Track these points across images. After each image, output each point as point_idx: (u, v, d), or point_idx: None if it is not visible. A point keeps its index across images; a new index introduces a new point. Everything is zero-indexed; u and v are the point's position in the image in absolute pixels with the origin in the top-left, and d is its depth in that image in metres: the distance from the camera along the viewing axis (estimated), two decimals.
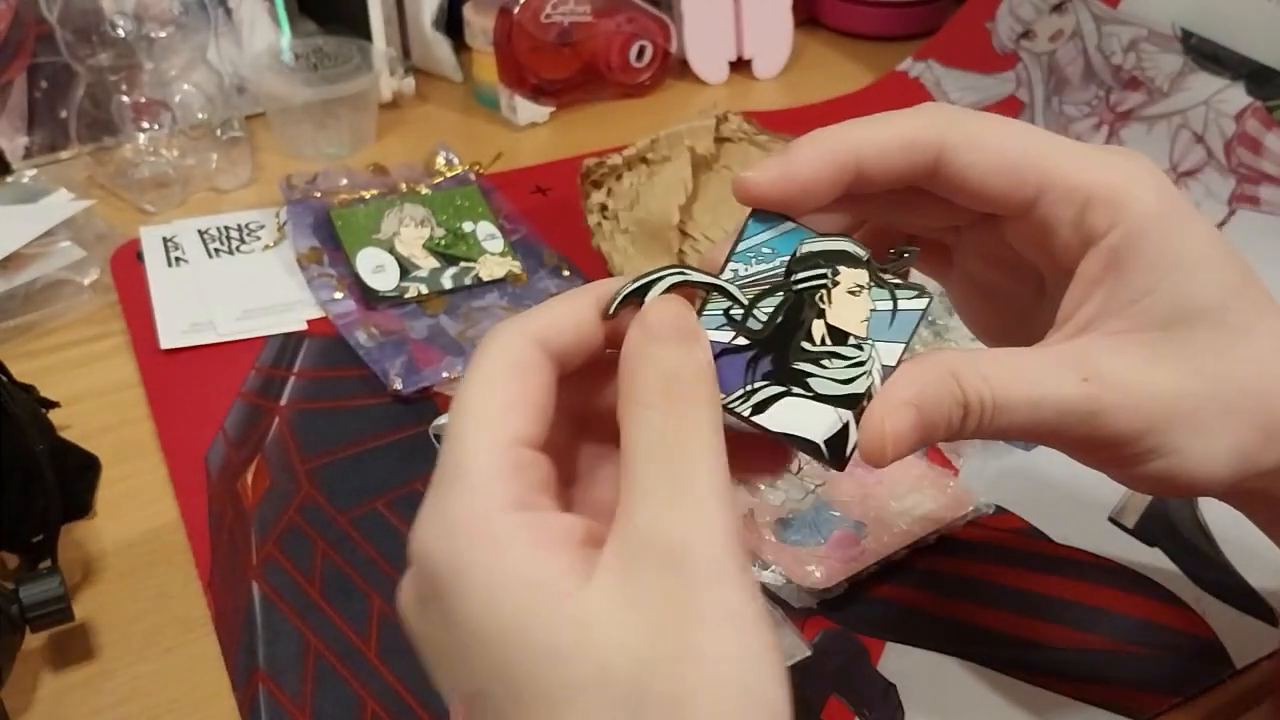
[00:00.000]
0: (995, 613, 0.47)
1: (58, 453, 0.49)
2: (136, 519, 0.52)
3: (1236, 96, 0.68)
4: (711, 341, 0.28)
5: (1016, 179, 0.29)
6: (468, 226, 0.70)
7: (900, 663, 0.45)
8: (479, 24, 0.86)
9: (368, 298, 0.65)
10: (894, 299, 0.29)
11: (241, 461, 0.55)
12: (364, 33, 0.85)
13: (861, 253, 0.29)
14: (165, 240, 0.71)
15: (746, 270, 0.29)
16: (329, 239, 0.69)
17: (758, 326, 0.29)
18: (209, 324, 0.64)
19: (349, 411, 0.58)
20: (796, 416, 0.28)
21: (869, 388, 0.29)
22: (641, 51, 0.90)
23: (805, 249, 0.29)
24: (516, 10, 0.83)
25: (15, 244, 0.65)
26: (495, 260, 0.68)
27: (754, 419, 0.28)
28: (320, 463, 0.55)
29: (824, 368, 0.29)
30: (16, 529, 0.47)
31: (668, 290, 0.28)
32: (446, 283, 0.67)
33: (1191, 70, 0.70)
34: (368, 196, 0.71)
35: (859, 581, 0.48)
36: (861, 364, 0.29)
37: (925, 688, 0.44)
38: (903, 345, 0.29)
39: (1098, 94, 0.76)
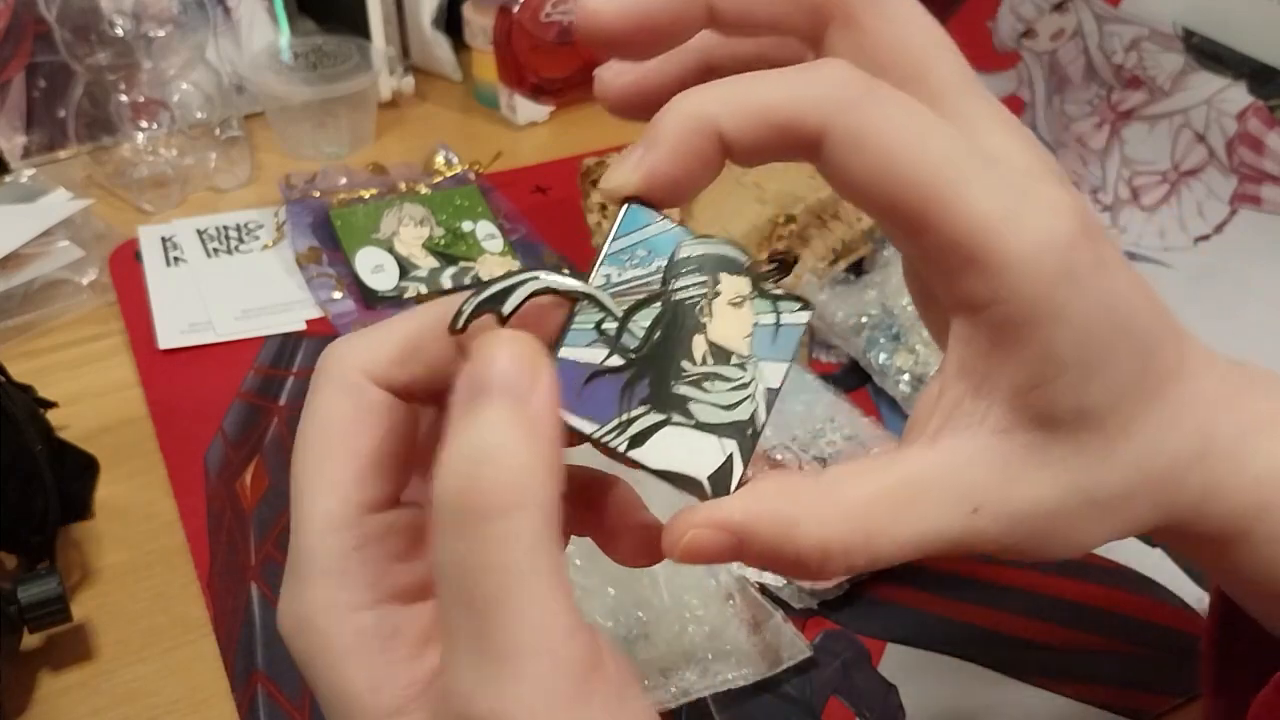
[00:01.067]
0: (996, 613, 0.47)
1: (56, 453, 0.49)
2: (135, 519, 0.52)
3: (1238, 96, 0.67)
4: (582, 363, 0.25)
5: (896, 200, 0.23)
6: (467, 226, 0.70)
7: (901, 663, 0.45)
8: (478, 23, 0.86)
9: (367, 298, 0.65)
10: (777, 312, 0.26)
11: (240, 461, 0.55)
12: (363, 32, 0.85)
13: (743, 259, 0.26)
14: (164, 240, 0.71)
15: (620, 275, 0.25)
16: (328, 239, 0.69)
17: (634, 343, 0.25)
18: (208, 324, 0.64)
19: None
20: (678, 450, 0.25)
21: (754, 413, 0.25)
22: None
23: (684, 252, 0.25)
24: (516, 9, 0.83)
25: (13, 244, 0.65)
26: (495, 260, 0.68)
27: (631, 454, 0.25)
28: None
29: (706, 391, 0.25)
30: (15, 529, 0.47)
31: (527, 299, 0.24)
32: (446, 282, 0.67)
33: (1193, 69, 0.70)
34: (367, 196, 0.71)
35: (859, 582, 0.48)
36: (745, 386, 0.25)
37: (926, 688, 0.44)
38: (786, 364, 0.26)
39: (1099, 93, 0.76)
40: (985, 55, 0.85)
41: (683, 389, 0.25)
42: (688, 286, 0.25)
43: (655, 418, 0.25)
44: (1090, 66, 0.77)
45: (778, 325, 0.26)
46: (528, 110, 0.87)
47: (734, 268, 0.26)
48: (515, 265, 0.68)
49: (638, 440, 0.25)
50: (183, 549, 0.51)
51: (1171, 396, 0.25)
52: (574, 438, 0.24)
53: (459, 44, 0.91)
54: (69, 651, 0.46)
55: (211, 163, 0.78)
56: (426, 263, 0.67)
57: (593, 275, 0.25)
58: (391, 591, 0.24)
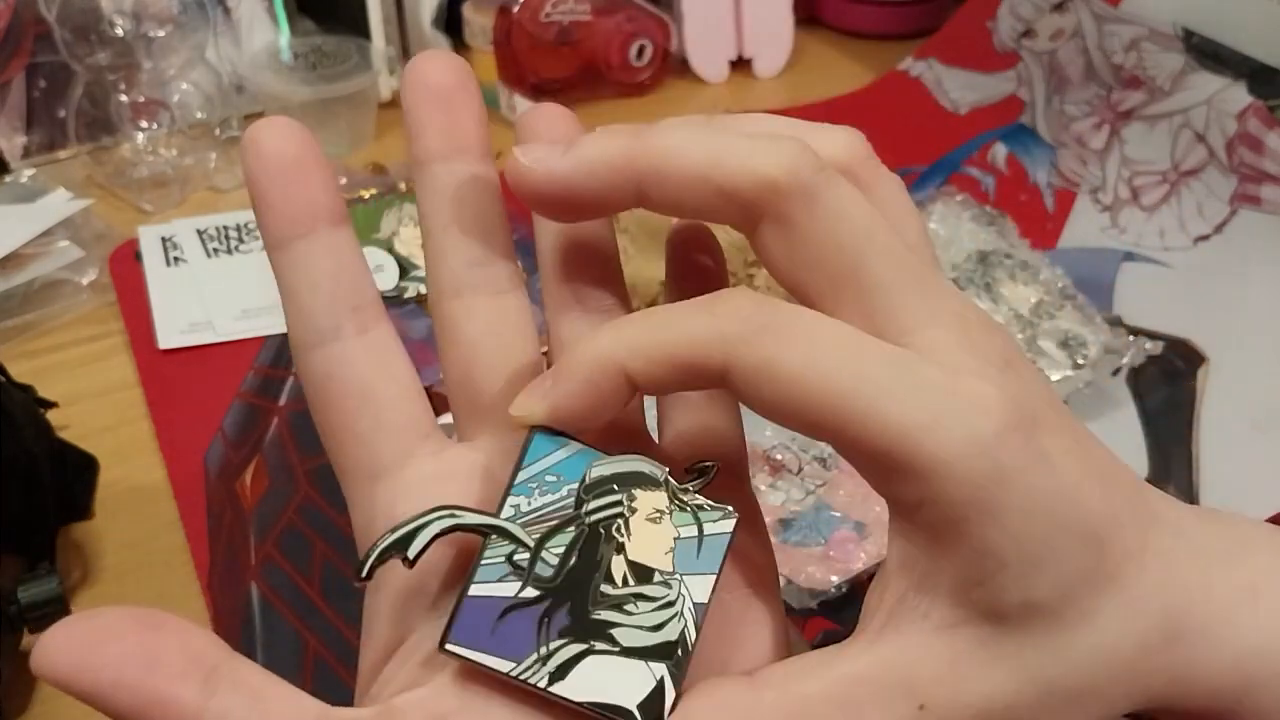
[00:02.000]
0: None
1: (56, 453, 0.49)
2: (135, 520, 0.52)
3: (1238, 96, 0.67)
4: (494, 598, 0.24)
5: (812, 423, 0.23)
6: None
7: None
8: (478, 23, 0.86)
9: None
10: (699, 523, 0.25)
11: (240, 462, 0.55)
12: (363, 31, 0.85)
13: (658, 473, 0.25)
14: (164, 240, 0.71)
15: (530, 504, 0.24)
16: None
17: (548, 572, 0.24)
18: (207, 324, 0.64)
19: None
20: (604, 679, 0.24)
21: (682, 632, 0.24)
22: (641, 50, 0.90)
23: (595, 473, 0.25)
24: (516, 9, 0.83)
25: (13, 244, 0.65)
26: None
27: (553, 690, 0.23)
28: (319, 463, 0.55)
29: (629, 614, 0.24)
30: (15, 529, 0.47)
31: (436, 537, 0.24)
32: None
33: (1193, 69, 0.70)
34: (366, 196, 0.71)
35: (859, 582, 0.48)
36: (671, 604, 0.24)
37: None
38: (714, 576, 0.25)
39: (1099, 93, 0.76)
40: (985, 55, 0.85)
41: (604, 614, 0.24)
42: (602, 507, 0.25)
43: (576, 648, 0.24)
44: (1090, 66, 0.77)
45: (701, 536, 0.25)
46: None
47: (649, 483, 0.25)
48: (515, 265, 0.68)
49: (559, 674, 0.23)
50: (183, 549, 0.51)
51: (1132, 580, 0.24)
52: (491, 680, 0.24)
53: (459, 44, 0.91)
54: None
55: (211, 163, 0.78)
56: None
57: (501, 507, 0.24)
58: None
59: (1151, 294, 0.66)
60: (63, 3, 0.74)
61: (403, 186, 0.73)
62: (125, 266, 0.69)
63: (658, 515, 0.25)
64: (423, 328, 0.63)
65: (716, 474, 0.25)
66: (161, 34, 0.76)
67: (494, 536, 0.24)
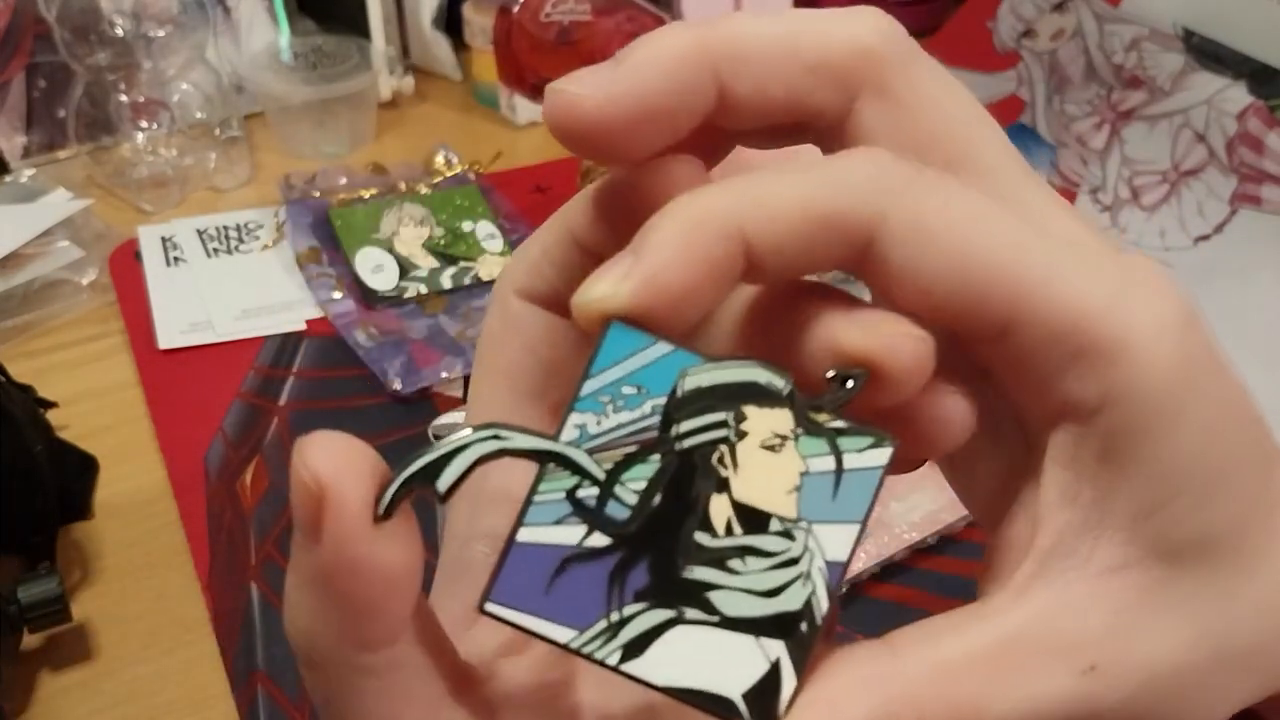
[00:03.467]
0: None
1: (56, 453, 0.48)
2: (135, 519, 0.52)
3: (1238, 96, 0.67)
4: (551, 546, 0.18)
5: (977, 296, 0.19)
6: (467, 226, 0.70)
7: None
8: (478, 23, 0.86)
9: (367, 298, 0.65)
10: (837, 453, 0.19)
11: (240, 462, 0.55)
12: (363, 31, 0.85)
13: (780, 383, 0.19)
14: (163, 240, 0.71)
15: (600, 424, 0.19)
16: (328, 239, 0.69)
17: (623, 514, 0.19)
18: (207, 324, 0.64)
19: (348, 412, 0.58)
20: (696, 659, 0.18)
21: (808, 600, 0.19)
22: None
23: (691, 383, 0.19)
24: (516, 9, 0.83)
25: (13, 244, 0.65)
26: (495, 260, 0.68)
27: (626, 669, 0.18)
28: None
29: (734, 573, 0.19)
30: (15, 529, 0.47)
31: (475, 465, 0.19)
32: (446, 282, 0.67)
33: (1193, 69, 0.70)
34: (367, 196, 0.71)
35: (859, 583, 0.48)
36: (794, 561, 0.19)
37: None
38: (856, 526, 0.19)
39: (1099, 93, 0.76)
40: (985, 55, 0.85)
41: (699, 572, 0.19)
42: (699, 429, 0.19)
43: (659, 616, 0.19)
44: (1090, 66, 0.77)
45: (840, 471, 0.19)
46: (527, 110, 0.87)
47: (766, 397, 0.19)
48: None
49: (634, 649, 0.18)
50: (183, 549, 0.51)
51: None
52: (545, 649, 0.19)
53: (459, 44, 0.91)
54: (69, 651, 0.46)
55: (211, 163, 0.78)
56: (426, 263, 0.67)
57: (562, 428, 0.19)
58: None
59: None
60: (63, 3, 0.74)
61: (402, 186, 0.73)
62: (125, 266, 0.69)
63: (778, 441, 0.19)
64: (423, 327, 0.63)
65: (869, 383, 0.19)
66: (161, 34, 0.76)
67: (552, 466, 0.19)
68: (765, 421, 0.19)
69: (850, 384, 0.19)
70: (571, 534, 0.19)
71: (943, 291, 0.19)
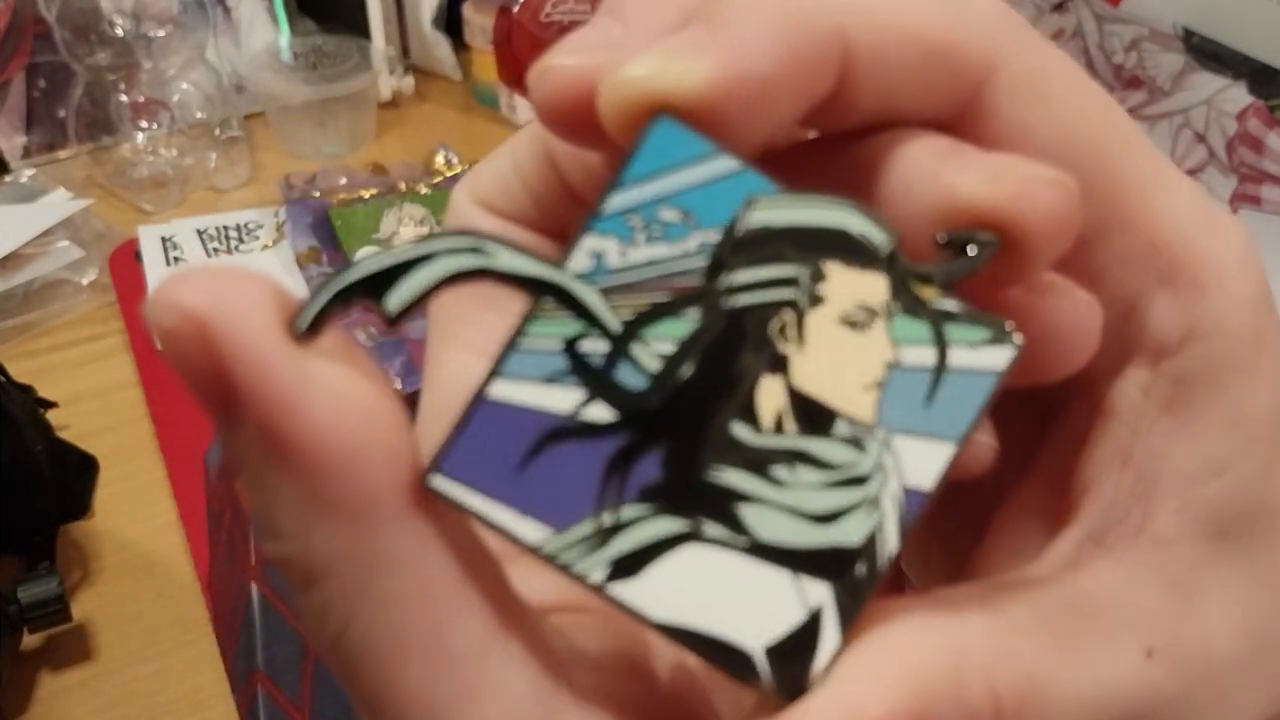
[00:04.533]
0: None
1: (56, 453, 0.48)
2: (135, 520, 0.52)
3: (1238, 96, 0.67)
4: (531, 411, 0.14)
5: (1083, 184, 0.15)
6: None
7: None
8: (478, 23, 0.86)
9: None
10: (942, 344, 0.14)
11: None
12: (363, 31, 0.85)
13: (880, 237, 0.14)
14: (164, 240, 0.71)
15: (625, 256, 0.14)
16: (328, 239, 0.68)
17: (639, 383, 0.14)
18: None
19: None
20: (709, 593, 0.14)
21: (872, 535, 0.14)
22: None
23: (759, 219, 0.14)
24: (516, 9, 0.83)
25: (13, 244, 0.65)
26: None
27: (612, 592, 0.14)
28: None
29: (777, 483, 0.14)
30: (15, 529, 0.47)
31: (441, 286, 0.14)
32: None
33: (1193, 69, 0.70)
34: (367, 196, 0.71)
35: None
36: (860, 481, 0.14)
37: None
38: (952, 446, 0.14)
39: None
40: None
41: (730, 476, 0.14)
42: (760, 284, 0.14)
43: (668, 526, 0.14)
44: (1090, 67, 0.77)
45: (942, 370, 0.14)
46: (528, 110, 0.87)
47: (859, 253, 0.14)
48: None
49: (627, 566, 0.14)
50: (182, 549, 0.51)
51: None
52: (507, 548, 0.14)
53: (459, 44, 0.91)
54: (69, 652, 0.46)
55: (211, 163, 0.78)
56: None
57: (572, 252, 0.14)
58: None
59: None
60: (63, 3, 0.74)
61: (402, 186, 0.73)
62: (125, 266, 0.69)
63: (864, 316, 0.14)
64: (422, 328, 0.63)
65: (997, 255, 0.14)
66: (161, 34, 0.76)
67: (550, 303, 0.14)
68: (851, 286, 0.14)
69: (973, 251, 0.14)
70: (564, 398, 0.14)
71: (1045, 150, 0.16)
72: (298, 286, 0.67)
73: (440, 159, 0.76)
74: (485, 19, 0.84)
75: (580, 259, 0.14)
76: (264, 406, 0.13)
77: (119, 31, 0.75)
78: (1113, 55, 0.75)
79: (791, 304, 0.14)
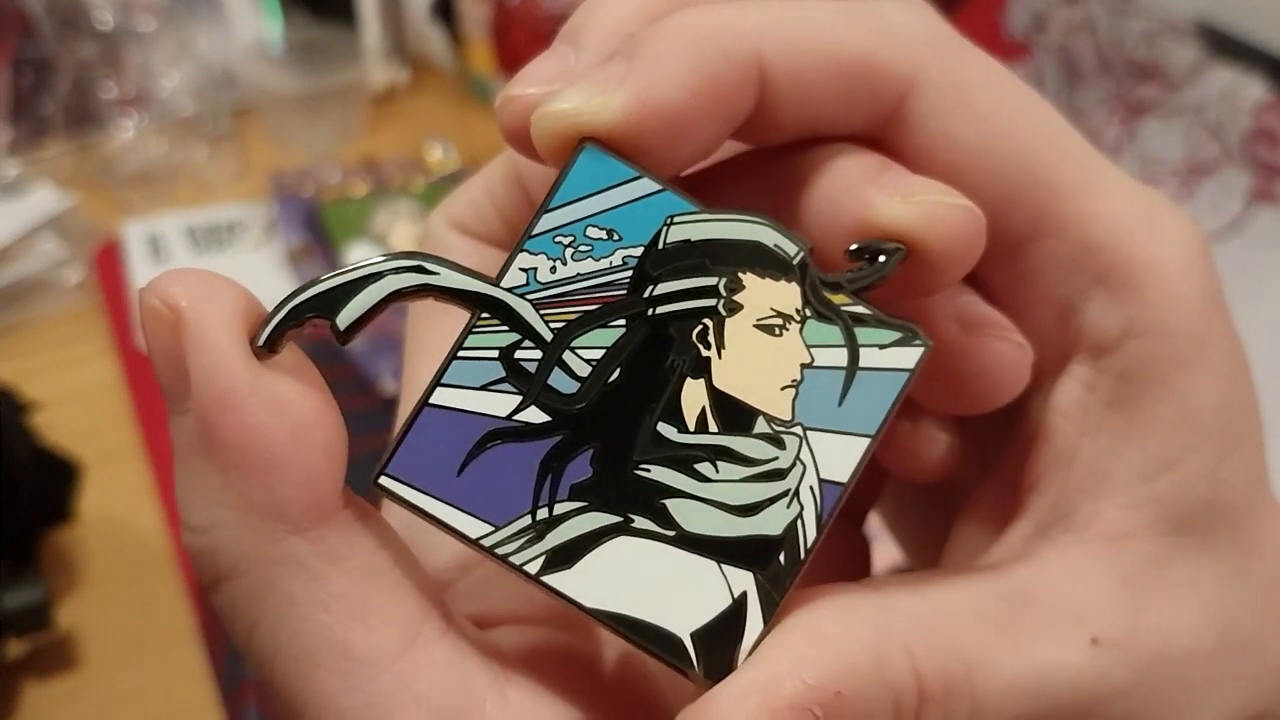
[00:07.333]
0: None
1: (38, 456, 0.48)
2: (120, 524, 0.51)
3: (1254, 90, 0.67)
4: (471, 415, 0.15)
5: (1011, 188, 0.17)
6: None
7: None
8: (474, 13, 0.85)
9: None
10: (853, 346, 0.15)
11: None
12: (356, 23, 0.84)
13: (791, 248, 0.15)
14: (151, 237, 0.69)
15: (555, 270, 0.15)
16: (320, 235, 0.67)
17: (569, 388, 0.15)
18: None
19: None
20: (639, 581, 0.15)
21: (792, 525, 0.15)
22: None
23: (678, 234, 0.15)
24: (513, 0, 0.82)
25: None
26: None
27: (548, 580, 0.15)
28: None
29: (702, 479, 0.15)
30: None
31: (387, 301, 0.15)
32: None
33: (1207, 63, 0.69)
34: (359, 192, 0.70)
35: None
36: (780, 475, 0.15)
37: None
38: (866, 442, 0.15)
39: (1111, 87, 0.75)
40: (996, 49, 0.84)
41: (657, 473, 0.15)
42: (682, 294, 0.15)
43: (599, 519, 0.15)
44: (1103, 60, 0.76)
45: (853, 370, 0.15)
46: None
47: (772, 264, 0.15)
48: None
49: (563, 557, 0.15)
50: (169, 556, 0.50)
51: None
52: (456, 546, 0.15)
53: (454, 35, 0.89)
54: (54, 661, 0.45)
55: (200, 158, 0.77)
56: None
57: (506, 269, 0.15)
58: None
59: None
60: None
61: (396, 181, 0.71)
62: (111, 264, 0.67)
63: (779, 321, 0.15)
64: None
65: (904, 263, 0.15)
66: (149, 27, 0.75)
67: (486, 316, 0.15)
68: (766, 294, 0.15)
69: (882, 259, 0.15)
70: (501, 404, 0.15)
71: (976, 174, 0.16)
72: (288, 283, 0.66)
73: (433, 152, 0.75)
74: (481, 10, 0.83)
75: (514, 275, 0.15)
76: (207, 399, 0.14)
77: (106, 25, 0.74)
78: (1125, 48, 0.74)
79: (712, 311, 0.15)
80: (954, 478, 0.19)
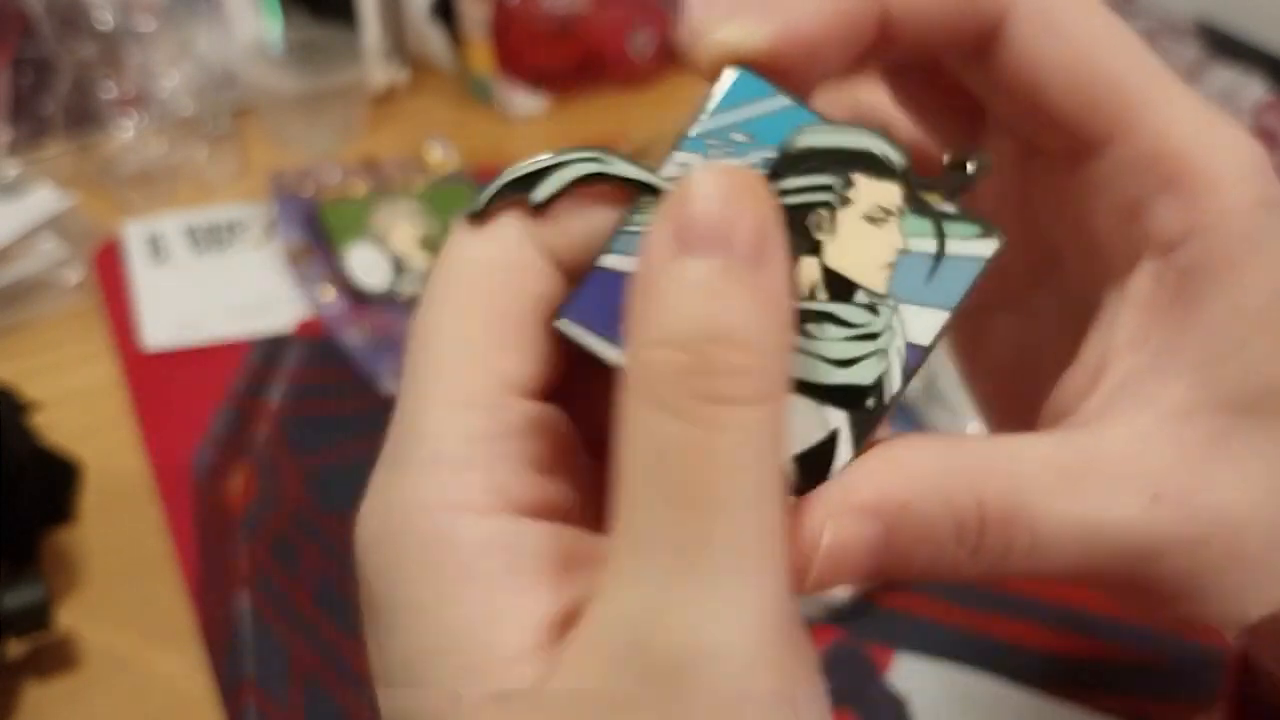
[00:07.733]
0: (1009, 623, 0.46)
1: (38, 457, 0.48)
2: (120, 525, 0.51)
3: (1254, 90, 0.67)
4: (631, 275, 0.18)
5: (1089, 101, 0.19)
6: None
7: (912, 673, 0.44)
8: (474, 13, 0.85)
9: (359, 296, 0.64)
10: (941, 236, 0.19)
11: (229, 466, 0.54)
12: (356, 23, 0.84)
13: (895, 156, 0.19)
14: (151, 237, 0.69)
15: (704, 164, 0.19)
16: (319, 235, 0.67)
17: None
18: (195, 324, 0.63)
19: (340, 414, 0.57)
20: None
21: (881, 377, 0.19)
22: (642, 41, 0.89)
23: (804, 140, 0.19)
24: (514, 1, 0.82)
25: None
26: None
27: None
28: (310, 467, 0.53)
29: (810, 337, 0.19)
30: None
31: (570, 186, 0.19)
32: None
33: (1207, 63, 0.69)
34: (360, 192, 0.70)
35: (869, 592, 0.47)
36: (873, 336, 0.19)
37: (938, 701, 0.43)
38: (946, 314, 0.19)
39: None
40: None
41: None
42: (805, 188, 0.19)
43: None
44: None
45: (940, 255, 0.19)
46: (525, 102, 0.86)
47: (879, 168, 0.19)
48: None
49: None
50: (169, 556, 0.50)
51: None
52: (602, 376, 0.18)
53: (454, 35, 0.89)
54: (54, 661, 0.45)
55: (200, 158, 0.77)
56: (420, 260, 0.66)
57: (665, 162, 0.19)
58: (523, 504, 0.18)
59: None
60: None
61: (396, 181, 0.71)
62: (111, 264, 0.67)
63: (882, 215, 0.19)
64: None
65: (989, 174, 0.19)
66: (149, 27, 0.75)
67: (648, 199, 0.19)
68: (873, 192, 0.19)
69: (970, 168, 0.19)
70: None
71: (1058, 88, 0.20)
72: (288, 283, 0.66)
73: (433, 152, 0.75)
74: (482, 10, 0.83)
75: (671, 168, 0.19)
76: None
77: (106, 25, 0.74)
78: None
79: (828, 204, 0.19)
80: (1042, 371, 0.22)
